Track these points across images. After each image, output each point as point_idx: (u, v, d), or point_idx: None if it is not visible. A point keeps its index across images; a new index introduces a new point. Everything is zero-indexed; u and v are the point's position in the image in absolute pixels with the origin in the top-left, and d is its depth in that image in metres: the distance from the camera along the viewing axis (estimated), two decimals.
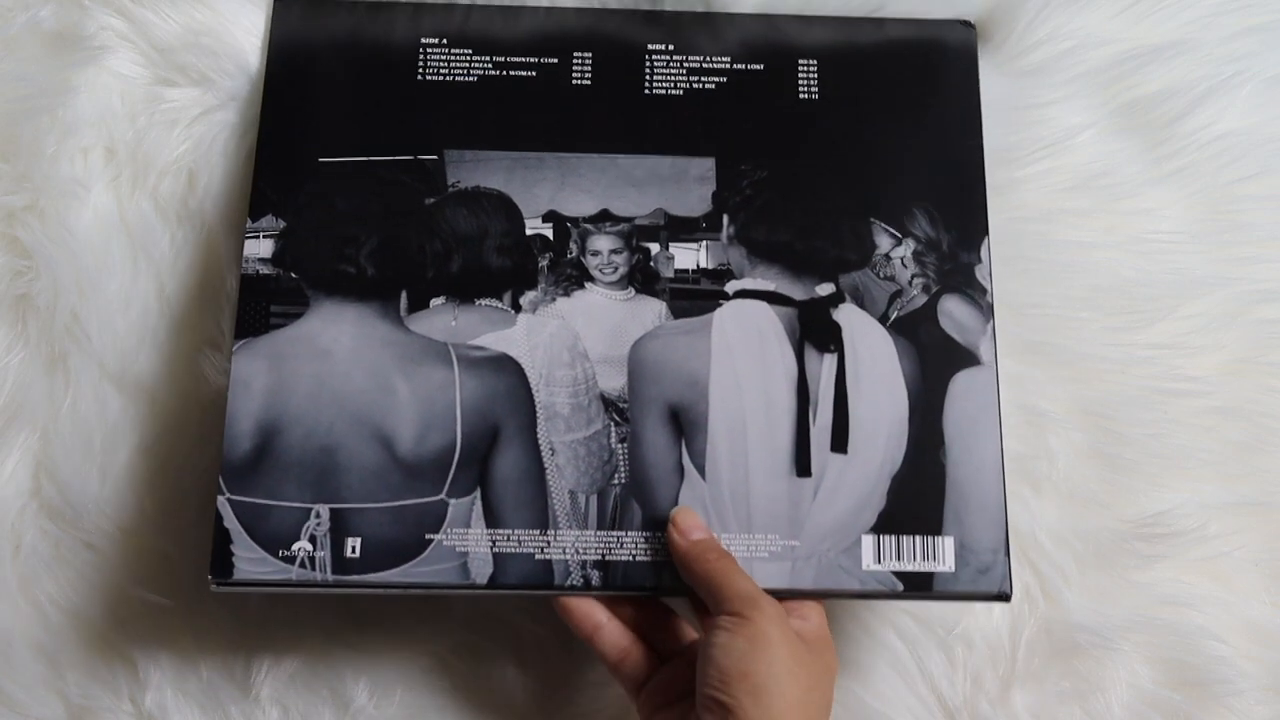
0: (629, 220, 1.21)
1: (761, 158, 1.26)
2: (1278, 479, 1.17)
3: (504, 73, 1.25)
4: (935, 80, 1.25)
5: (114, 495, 1.14)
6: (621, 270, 1.25)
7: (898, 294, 1.24)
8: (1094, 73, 1.26)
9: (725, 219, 1.21)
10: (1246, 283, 1.20)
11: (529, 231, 1.22)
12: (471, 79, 1.25)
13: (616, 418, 1.13)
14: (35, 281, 1.16)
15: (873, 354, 1.18)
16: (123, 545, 1.13)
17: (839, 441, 1.16)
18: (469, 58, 1.26)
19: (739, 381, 1.16)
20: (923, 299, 1.24)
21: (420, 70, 1.26)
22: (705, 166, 1.22)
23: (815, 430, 1.15)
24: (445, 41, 1.26)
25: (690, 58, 1.26)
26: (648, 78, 1.26)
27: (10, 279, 1.17)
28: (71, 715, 1.11)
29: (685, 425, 1.16)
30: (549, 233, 1.20)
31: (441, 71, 1.25)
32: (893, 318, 1.22)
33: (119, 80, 1.22)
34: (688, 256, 1.21)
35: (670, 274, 1.20)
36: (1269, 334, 1.20)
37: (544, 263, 1.20)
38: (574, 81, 1.25)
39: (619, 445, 1.12)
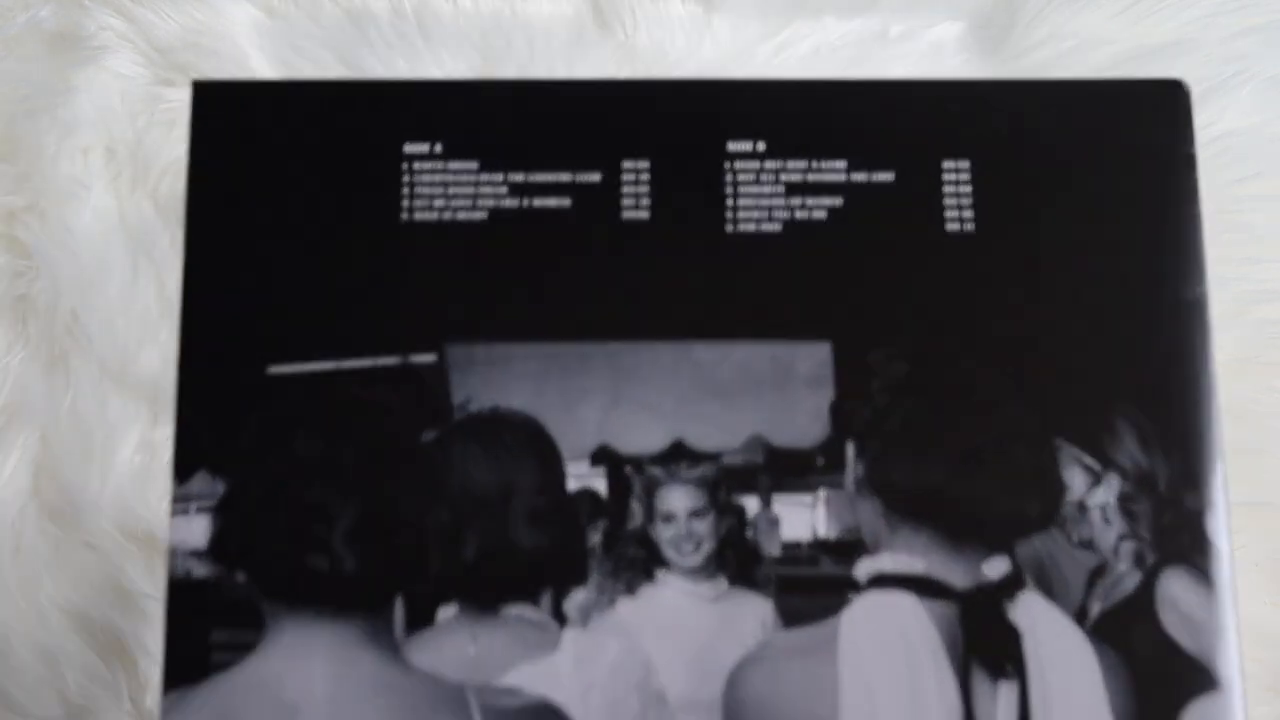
0: (713, 459, 0.85)
1: (897, 339, 0.93)
2: (1278, 479, 1.17)
3: (525, 202, 0.86)
4: (1137, 191, 0.88)
5: (114, 495, 1.14)
6: (706, 546, 0.94)
7: (1099, 571, 0.90)
8: (1094, 73, 1.24)
9: (850, 450, 0.91)
10: (1246, 283, 1.21)
11: (572, 484, 0.92)
12: (478, 215, 0.86)
13: None
14: (35, 281, 1.18)
15: (1068, 679, 0.87)
16: (123, 545, 1.12)
17: None
18: (475, 178, 0.86)
19: None
20: (1135, 579, 0.91)
21: (405, 202, 0.86)
22: (818, 358, 0.86)
23: None
24: (440, 149, 0.86)
25: (790, 164, 0.86)
26: (730, 201, 0.87)
27: (10, 279, 1.19)
28: (71, 715, 1.10)
29: None
30: (601, 485, 0.84)
31: (436, 203, 0.86)
32: (1094, 614, 0.89)
33: (119, 80, 1.23)
34: (799, 518, 0.86)
35: (776, 550, 0.85)
36: (1269, 334, 1.20)
37: (597, 538, 0.85)
38: (625, 215, 0.86)
39: None
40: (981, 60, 1.25)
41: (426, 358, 0.92)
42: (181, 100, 1.21)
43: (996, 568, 0.89)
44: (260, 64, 1.23)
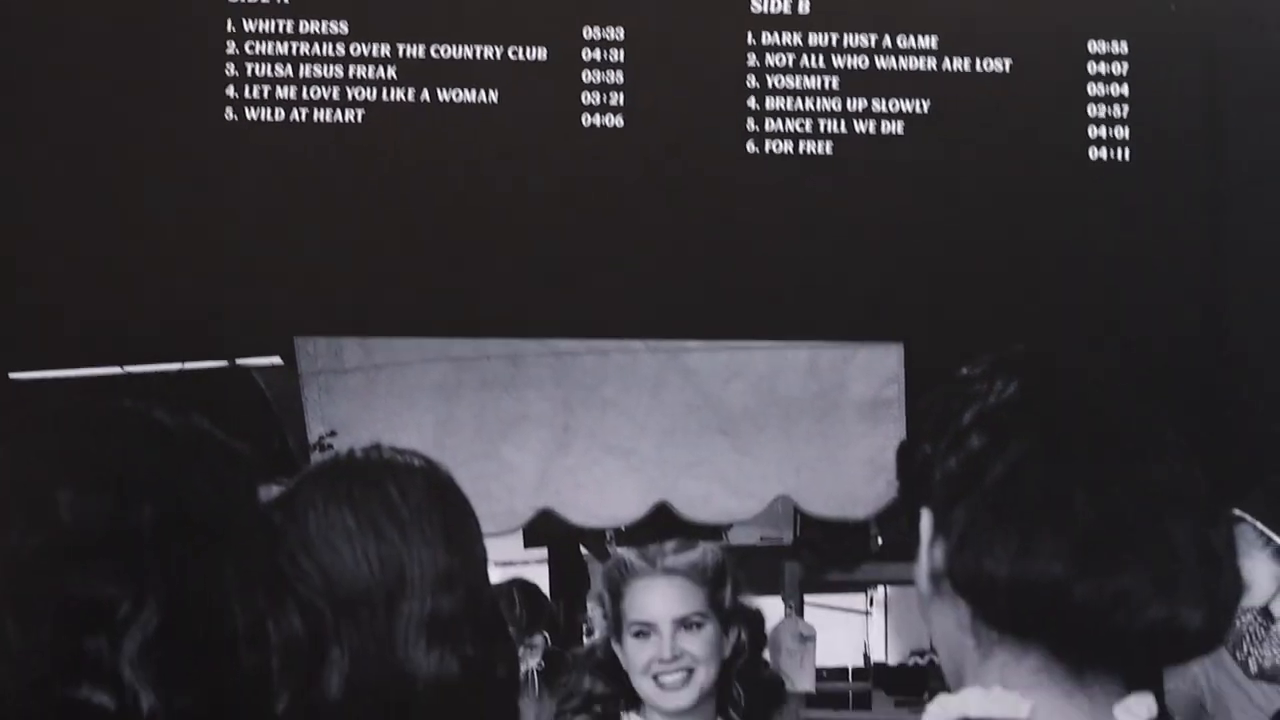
0: (716, 535, 0.67)
1: (1007, 342, 0.64)
2: None
3: (424, 93, 0.63)
4: None
5: None
6: (701, 675, 0.67)
7: None
8: None
9: (925, 524, 0.61)
10: None
11: (495, 575, 0.66)
12: (349, 113, 0.62)
13: None
14: None
15: None
16: None
17: None
18: (342, 49, 0.62)
19: None
20: None
21: (230, 90, 0.60)
22: (883, 371, 0.65)
23: None
24: None
25: (850, 38, 0.62)
26: (753, 101, 0.63)
27: None
28: None
29: None
30: (541, 576, 0.65)
31: (280, 93, 0.61)
32: None
33: None
34: (845, 633, 0.72)
35: (808, 683, 0.75)
36: None
37: (534, 662, 0.70)
38: (586, 119, 0.65)
39: None
40: None
41: (265, 360, 0.65)
42: None
43: (1136, 713, 0.62)
44: None
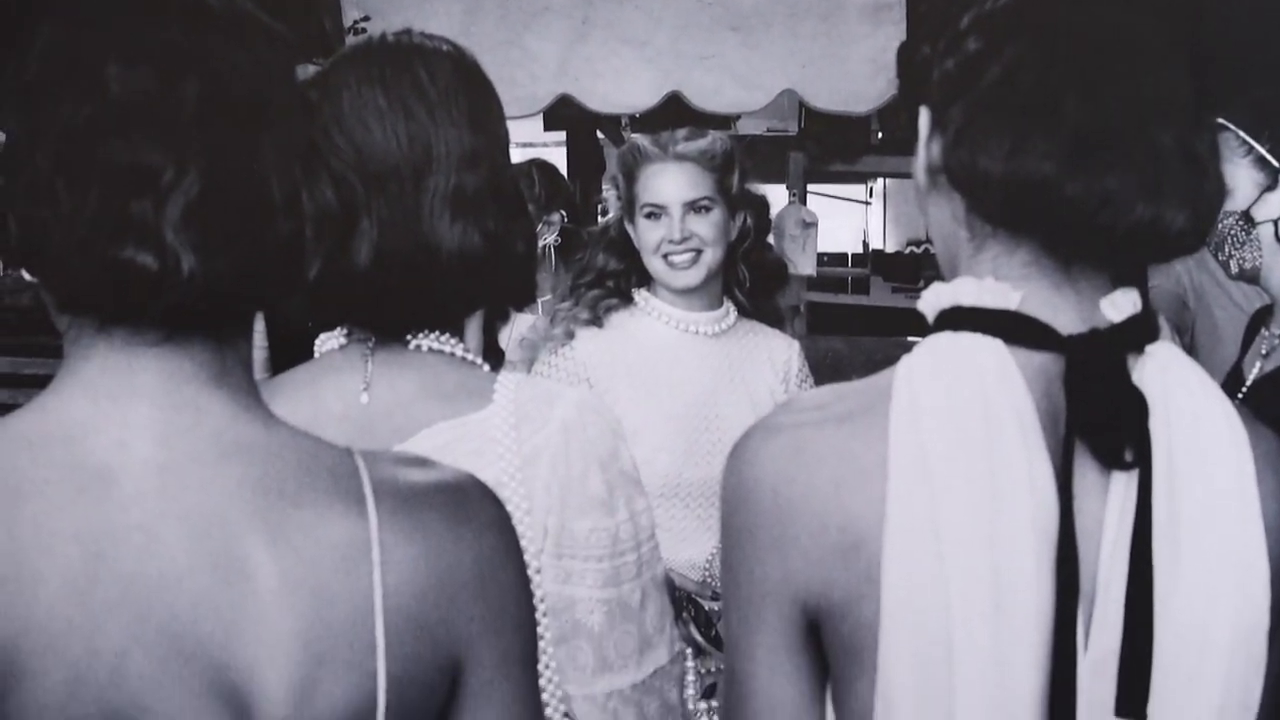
0: (726, 124, 0.69)
1: None
2: None
3: None
4: None
5: None
6: (709, 256, 0.76)
7: (1265, 315, 0.68)
8: None
9: (924, 120, 0.67)
10: None
11: (516, 155, 0.70)
12: None
13: (699, 634, 0.65)
14: None
15: (1207, 470, 0.64)
16: None
17: (1132, 700, 0.62)
18: None
19: (942, 545, 0.62)
20: None
21: None
22: None
23: (1087, 664, 0.62)
24: None
25: None
26: None
27: None
28: None
29: (834, 649, 0.63)
30: (559, 158, 0.66)
31: None
32: (1253, 377, 0.66)
33: None
34: (845, 220, 0.70)
35: (809, 267, 0.76)
36: None
37: (550, 238, 0.77)
38: None
39: (702, 702, 0.66)
40: None
41: None
42: None
43: (1121, 304, 0.67)
44: None
